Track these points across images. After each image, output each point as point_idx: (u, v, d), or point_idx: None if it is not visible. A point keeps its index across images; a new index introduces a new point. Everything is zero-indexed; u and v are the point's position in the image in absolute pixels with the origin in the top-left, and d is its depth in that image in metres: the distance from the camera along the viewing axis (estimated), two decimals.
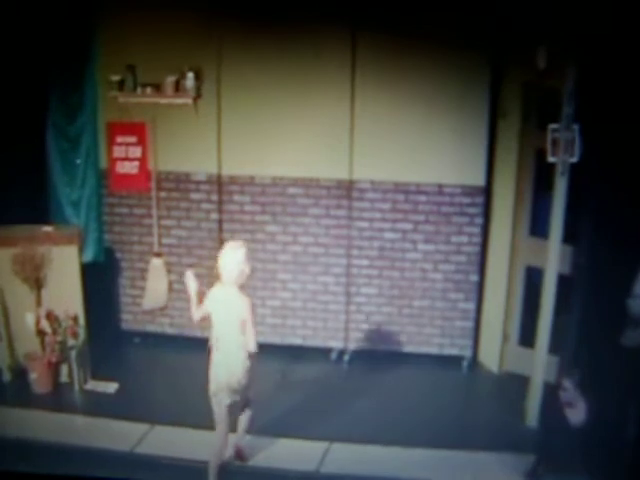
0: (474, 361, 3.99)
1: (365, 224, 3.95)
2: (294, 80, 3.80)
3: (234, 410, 2.77)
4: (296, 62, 3.76)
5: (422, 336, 3.98)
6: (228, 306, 2.68)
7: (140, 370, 3.83)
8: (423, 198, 3.87)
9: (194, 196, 4.07)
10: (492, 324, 3.94)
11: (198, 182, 4.04)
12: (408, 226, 3.92)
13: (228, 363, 2.71)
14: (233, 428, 2.80)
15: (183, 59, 3.82)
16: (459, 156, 3.77)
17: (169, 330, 4.20)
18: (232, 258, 2.67)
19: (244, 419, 2.89)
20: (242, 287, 2.65)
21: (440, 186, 3.83)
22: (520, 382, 3.52)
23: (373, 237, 3.96)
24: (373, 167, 3.88)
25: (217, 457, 2.79)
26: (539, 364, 3.29)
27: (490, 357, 3.96)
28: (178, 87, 3.86)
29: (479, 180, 3.78)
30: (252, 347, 2.67)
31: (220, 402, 2.74)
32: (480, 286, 3.95)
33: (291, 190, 3.92)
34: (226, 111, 3.91)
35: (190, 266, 3.98)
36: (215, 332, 2.74)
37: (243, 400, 2.81)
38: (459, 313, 3.93)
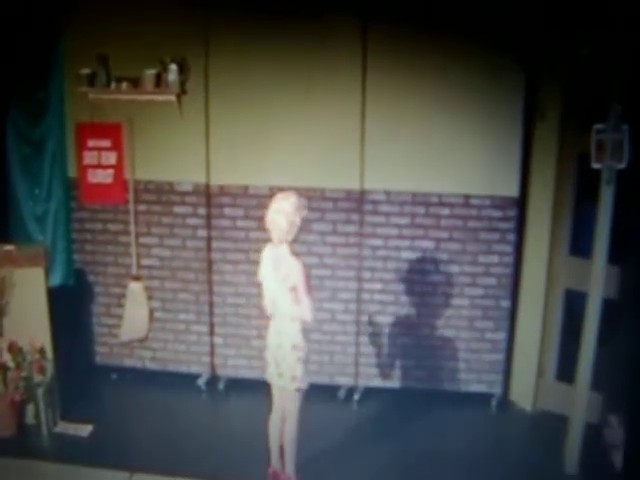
0: (504, 399, 3.97)
1: (379, 242, 3.91)
2: (296, 74, 3.75)
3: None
4: (298, 53, 3.71)
5: (445, 371, 3.95)
6: (278, 268, 2.73)
7: (117, 410, 3.80)
8: (446, 211, 3.83)
9: (178, 209, 4.03)
10: (526, 357, 3.90)
11: (183, 193, 4.01)
12: (429, 244, 3.88)
13: (278, 331, 2.79)
14: None
15: (164, 49, 3.76)
16: (489, 162, 3.73)
17: (150, 365, 4.18)
18: (280, 209, 2.73)
19: (284, 432, 2.87)
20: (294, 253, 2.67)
21: (466, 197, 3.79)
22: (558, 423, 3.52)
23: (388, 257, 3.92)
24: (388, 175, 3.83)
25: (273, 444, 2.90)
26: (580, 402, 3.27)
27: (523, 394, 3.93)
28: (159, 82, 3.81)
29: (512, 190, 3.74)
30: (307, 317, 2.70)
31: (270, 380, 2.88)
32: (512, 313, 3.91)
33: None
34: (216, 110, 3.85)
35: (174, 291, 4.04)
36: (268, 297, 2.83)
37: (286, 394, 2.82)
38: (488, 344, 3.90)
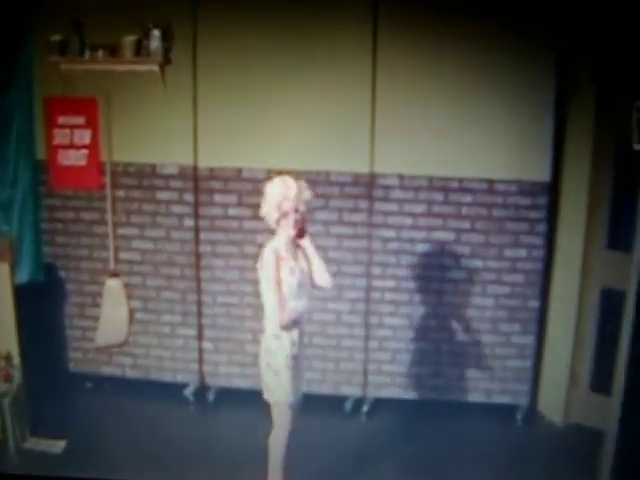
0: (532, 411, 3.94)
1: (391, 233, 3.86)
2: (298, 41, 3.69)
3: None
4: (299, 17, 3.64)
5: (465, 380, 3.90)
6: (299, 262, 2.78)
7: (94, 425, 3.75)
8: (468, 198, 3.77)
9: (162, 196, 3.97)
10: (556, 363, 3.87)
11: (167, 177, 3.95)
12: (448, 235, 3.82)
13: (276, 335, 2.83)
14: None
15: (146, 12, 3.71)
16: (516, 143, 3.67)
17: (131, 373, 4.14)
18: (290, 189, 2.73)
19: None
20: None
21: (491, 182, 3.73)
22: (591, 437, 3.49)
23: (401, 250, 3.86)
24: (402, 157, 3.77)
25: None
26: (617, 415, 3.21)
27: (553, 406, 3.90)
28: (140, 50, 3.76)
29: (542, 174, 3.69)
30: (327, 282, 2.84)
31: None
32: (542, 315, 3.87)
33: None
34: (204, 82, 3.80)
35: (157, 289, 3.99)
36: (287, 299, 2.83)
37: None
38: (514, 350, 3.86)
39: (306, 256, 2.86)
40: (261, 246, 3.55)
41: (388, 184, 3.81)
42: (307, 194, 2.78)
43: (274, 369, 2.81)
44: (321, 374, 3.93)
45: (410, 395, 3.96)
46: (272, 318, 2.78)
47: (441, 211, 3.80)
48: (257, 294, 3.62)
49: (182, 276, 4.00)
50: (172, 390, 4.04)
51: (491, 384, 3.90)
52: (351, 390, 3.99)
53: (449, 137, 3.71)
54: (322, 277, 2.85)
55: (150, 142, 3.90)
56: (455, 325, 3.88)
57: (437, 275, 3.86)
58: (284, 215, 2.74)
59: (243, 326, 3.96)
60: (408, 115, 3.71)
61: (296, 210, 2.74)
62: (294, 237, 2.79)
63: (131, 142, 3.92)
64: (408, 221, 3.83)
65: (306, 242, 2.85)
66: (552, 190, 3.73)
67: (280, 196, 2.74)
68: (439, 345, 3.91)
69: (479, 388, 3.91)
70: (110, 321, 4.06)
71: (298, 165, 3.67)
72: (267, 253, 2.76)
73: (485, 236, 3.78)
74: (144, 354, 4.10)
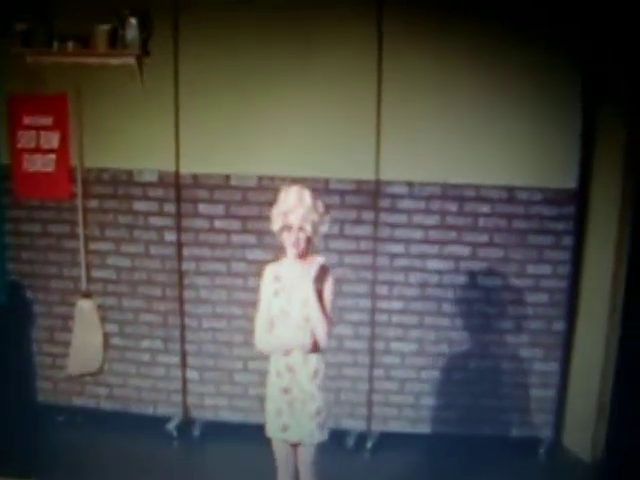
0: (556, 445, 3.75)
1: (399, 248, 3.61)
2: (294, 32, 3.47)
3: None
4: (295, 7, 3.37)
5: (481, 412, 3.67)
6: (300, 290, 2.57)
7: (65, 462, 3.53)
8: (486, 208, 3.53)
9: (140, 206, 3.73)
10: (583, 393, 3.63)
11: (146, 185, 3.71)
12: (463, 250, 3.59)
13: (289, 367, 2.64)
14: None
15: None
16: (540, 146, 3.43)
17: (106, 405, 3.91)
18: (298, 204, 2.52)
19: None
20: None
21: (511, 190, 3.50)
22: (624, 475, 3.32)
23: (411, 268, 3.63)
24: (411, 162, 3.53)
25: None
26: None
27: (579, 439, 3.66)
28: (114, 40, 3.52)
29: (569, 181, 3.46)
30: (323, 341, 2.59)
31: (273, 435, 2.75)
32: (567, 338, 3.64)
33: None
34: (187, 77, 3.54)
35: (135, 312, 3.75)
36: (291, 330, 2.62)
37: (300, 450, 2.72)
38: (536, 378, 3.64)
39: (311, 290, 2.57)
40: (252, 263, 3.41)
41: (395, 192, 3.58)
42: (316, 216, 2.54)
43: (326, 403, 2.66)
44: None
45: (420, 429, 3.71)
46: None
47: (455, 223, 3.57)
48: (247, 317, 3.43)
49: (163, 297, 3.73)
50: (153, 424, 3.79)
51: (511, 415, 3.68)
52: (354, 424, 3.73)
53: (465, 140, 3.50)
54: (316, 332, 2.56)
55: (126, 145, 3.66)
56: (471, 351, 3.61)
57: (450, 295, 3.62)
58: (287, 228, 2.55)
59: (232, 353, 3.72)
60: (419, 115, 3.47)
61: (300, 228, 2.53)
62: (297, 259, 2.57)
63: (105, 145, 3.68)
64: (418, 234, 3.60)
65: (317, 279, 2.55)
66: (580, 199, 3.47)
67: (288, 206, 2.54)
68: (452, 373, 3.65)
69: (497, 420, 3.68)
70: (83, 347, 3.84)
71: (293, 171, 3.48)
72: (268, 267, 2.64)
73: (504, 251, 3.55)
74: (121, 384, 3.86)
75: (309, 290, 2.52)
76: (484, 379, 3.64)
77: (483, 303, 3.63)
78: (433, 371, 3.66)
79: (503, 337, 3.61)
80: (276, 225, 2.58)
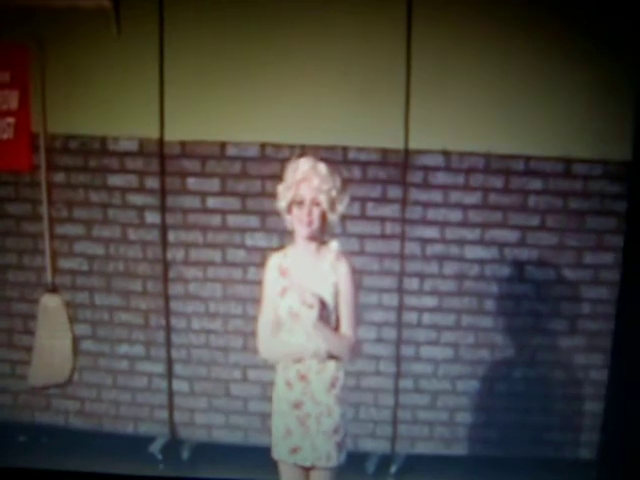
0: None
1: (433, 232, 3.22)
2: None
3: None
4: None
5: (526, 430, 3.31)
6: (313, 283, 2.28)
7: None
8: (537, 184, 3.11)
9: (116, 181, 3.33)
10: None
11: (123, 155, 3.30)
12: (510, 235, 3.19)
13: (301, 376, 2.41)
14: None
15: None
16: (602, 110, 3.04)
17: (77, 423, 3.56)
18: (311, 175, 2.20)
19: None
20: None
21: (568, 162, 3.10)
22: None
23: (446, 256, 3.25)
24: (448, 127, 3.13)
25: None
26: None
27: None
28: None
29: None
30: (346, 353, 2.32)
31: (279, 457, 2.51)
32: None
33: None
34: (175, 22, 3.12)
35: (111, 310, 3.32)
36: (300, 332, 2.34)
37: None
38: (591, 389, 3.28)
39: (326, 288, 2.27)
40: (252, 250, 3.03)
41: (429, 164, 3.18)
42: (334, 189, 2.21)
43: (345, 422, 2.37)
44: None
45: (454, 451, 3.41)
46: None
47: (500, 202, 3.16)
48: (247, 316, 3.09)
49: (144, 292, 3.37)
50: (133, 445, 3.47)
51: (562, 434, 3.32)
52: (375, 445, 3.42)
53: (513, 103, 3.05)
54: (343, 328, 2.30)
55: (100, 107, 3.24)
56: (516, 357, 3.26)
57: (494, 290, 3.24)
58: (297, 203, 2.20)
59: (228, 360, 3.35)
60: (457, 69, 3.10)
61: (314, 201, 2.20)
62: (309, 240, 2.24)
63: (73, 107, 3.26)
64: (455, 215, 3.18)
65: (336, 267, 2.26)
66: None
67: (299, 175, 2.22)
68: (493, 384, 3.29)
69: (545, 440, 3.33)
70: (48, 353, 3.50)
71: (304, 138, 3.05)
72: (272, 257, 2.36)
73: (559, 236, 3.16)
74: (94, 397, 3.48)
75: (324, 288, 2.19)
76: (530, 391, 3.29)
77: (532, 299, 3.24)
78: (471, 381, 3.32)
79: (555, 340, 3.30)
80: (283, 201, 2.27)
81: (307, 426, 2.30)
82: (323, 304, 2.17)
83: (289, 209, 2.24)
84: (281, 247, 2.35)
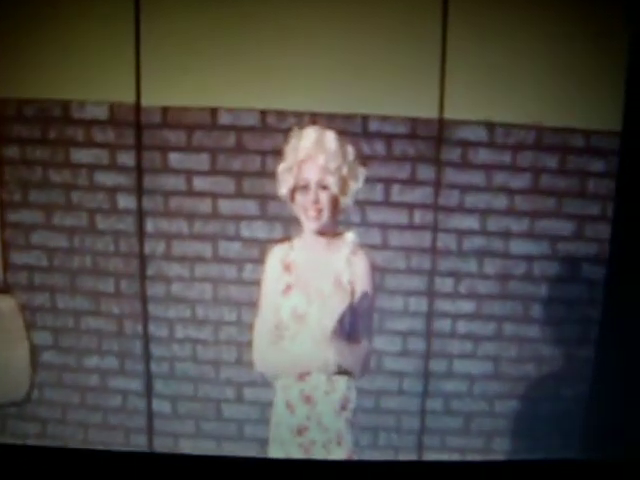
0: None
1: (471, 222, 2.83)
2: None
3: None
4: None
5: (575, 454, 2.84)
6: (323, 280, 2.05)
7: None
8: (599, 165, 2.70)
9: (81, 156, 2.87)
10: None
11: (91, 123, 2.83)
12: (564, 227, 2.79)
13: (304, 395, 2.24)
14: None
15: None
16: None
17: (36, 442, 3.09)
18: (317, 151, 1.91)
19: None
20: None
21: None
22: None
23: (488, 251, 2.86)
24: (490, 93, 2.73)
25: None
26: None
27: None
28: None
29: None
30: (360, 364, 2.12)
31: None
32: None
33: None
34: None
35: (77, 315, 2.83)
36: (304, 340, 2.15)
37: None
38: None
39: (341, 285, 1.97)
40: (250, 243, 2.69)
41: (468, 138, 2.74)
42: (345, 166, 1.90)
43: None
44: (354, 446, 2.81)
45: None
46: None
47: (554, 185, 2.73)
48: (242, 323, 2.68)
49: (117, 293, 2.89)
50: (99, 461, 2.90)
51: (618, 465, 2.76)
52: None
53: (567, 67, 2.65)
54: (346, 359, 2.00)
55: (61, 66, 2.77)
56: (567, 372, 2.76)
57: (543, 292, 2.83)
58: (301, 187, 1.89)
59: (219, 376, 2.89)
60: (501, 27, 2.66)
61: (320, 184, 1.89)
62: (317, 233, 1.94)
63: (28, 67, 2.78)
64: (499, 202, 2.77)
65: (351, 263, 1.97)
66: None
67: (302, 153, 1.89)
68: (540, 405, 2.76)
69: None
70: (1, 366, 2.91)
71: (316, 104, 2.65)
72: (274, 250, 2.10)
73: None
74: (58, 418, 3.01)
75: (337, 287, 1.92)
76: (583, 412, 2.74)
77: (587, 304, 2.79)
78: (512, 402, 2.83)
79: None
80: (285, 185, 1.95)
81: (313, 455, 2.08)
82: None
83: (291, 196, 1.93)
84: (285, 239, 2.02)
